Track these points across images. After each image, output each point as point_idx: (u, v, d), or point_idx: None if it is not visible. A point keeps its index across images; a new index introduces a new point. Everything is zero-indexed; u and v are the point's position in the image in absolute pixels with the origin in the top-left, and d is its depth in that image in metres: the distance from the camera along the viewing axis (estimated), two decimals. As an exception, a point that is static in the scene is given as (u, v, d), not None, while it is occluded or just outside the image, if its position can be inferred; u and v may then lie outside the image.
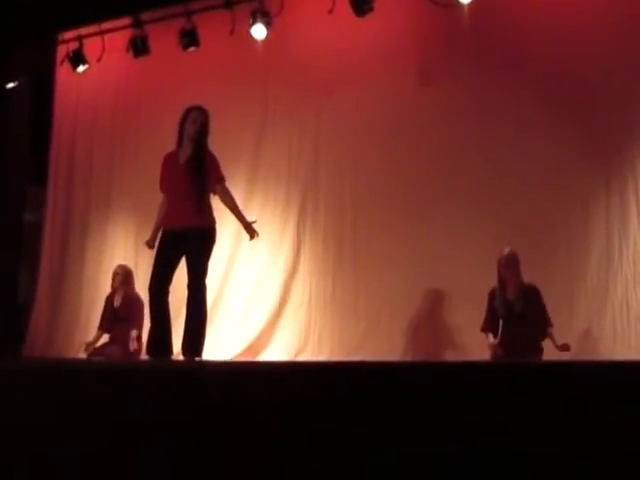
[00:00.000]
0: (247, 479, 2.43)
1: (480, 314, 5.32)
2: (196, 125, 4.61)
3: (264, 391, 2.53)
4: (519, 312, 5.13)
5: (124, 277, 6.28)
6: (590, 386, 2.20)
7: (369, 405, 2.35)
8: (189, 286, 4.52)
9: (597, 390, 2.18)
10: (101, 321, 6.34)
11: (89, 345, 6.24)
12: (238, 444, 2.46)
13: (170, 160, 4.73)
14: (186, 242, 4.51)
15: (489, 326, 5.25)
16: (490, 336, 5.20)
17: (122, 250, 7.33)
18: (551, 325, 5.09)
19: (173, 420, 2.59)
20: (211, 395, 2.62)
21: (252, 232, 4.69)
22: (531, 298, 5.14)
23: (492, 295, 5.27)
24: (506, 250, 5.23)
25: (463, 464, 2.18)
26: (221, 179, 4.67)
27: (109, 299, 6.34)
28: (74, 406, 2.78)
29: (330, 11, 6.44)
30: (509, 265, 5.17)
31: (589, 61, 5.80)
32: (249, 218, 4.71)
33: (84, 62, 7.42)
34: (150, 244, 4.74)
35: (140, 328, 6.02)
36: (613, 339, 5.44)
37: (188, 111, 4.66)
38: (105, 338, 6.39)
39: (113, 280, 6.32)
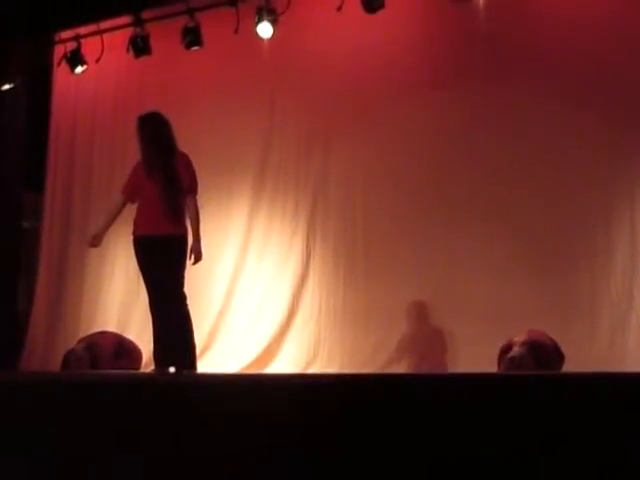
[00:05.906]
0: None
1: (493, 328, 5.39)
2: None
3: (271, 404, 2.51)
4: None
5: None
6: (613, 398, 2.21)
7: (381, 418, 2.35)
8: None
9: (623, 403, 2.18)
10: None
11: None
12: (241, 459, 2.46)
13: None
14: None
15: None
16: None
17: (124, 260, 7.05)
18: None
19: (175, 436, 2.57)
20: (215, 408, 2.61)
21: (197, 256, 4.73)
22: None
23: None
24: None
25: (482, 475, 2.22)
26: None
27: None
28: (71, 420, 2.79)
29: (339, 8, 6.33)
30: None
31: (605, 62, 5.66)
32: None
33: (82, 63, 7.30)
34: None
35: None
36: (638, 350, 5.32)
37: None
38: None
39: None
